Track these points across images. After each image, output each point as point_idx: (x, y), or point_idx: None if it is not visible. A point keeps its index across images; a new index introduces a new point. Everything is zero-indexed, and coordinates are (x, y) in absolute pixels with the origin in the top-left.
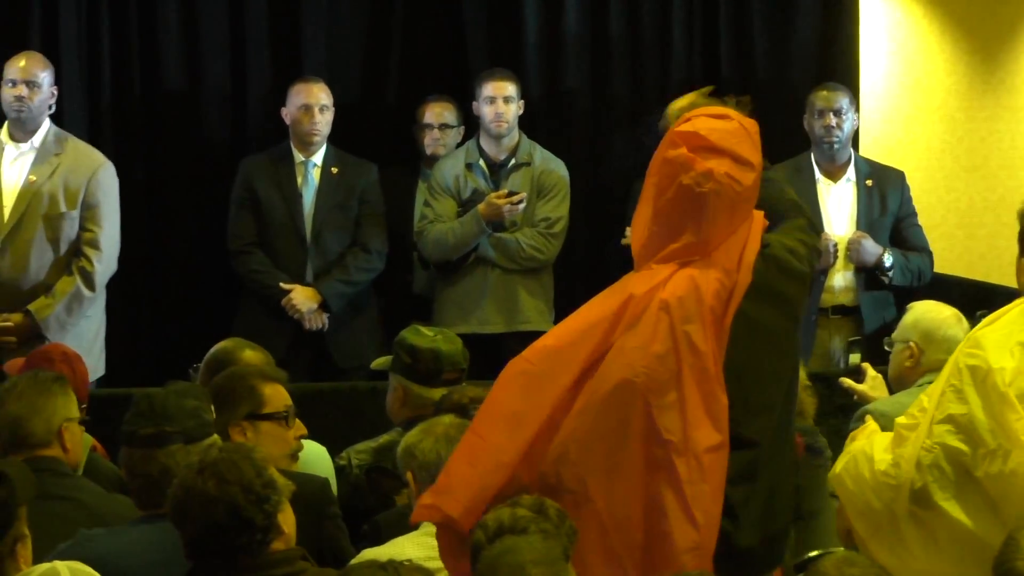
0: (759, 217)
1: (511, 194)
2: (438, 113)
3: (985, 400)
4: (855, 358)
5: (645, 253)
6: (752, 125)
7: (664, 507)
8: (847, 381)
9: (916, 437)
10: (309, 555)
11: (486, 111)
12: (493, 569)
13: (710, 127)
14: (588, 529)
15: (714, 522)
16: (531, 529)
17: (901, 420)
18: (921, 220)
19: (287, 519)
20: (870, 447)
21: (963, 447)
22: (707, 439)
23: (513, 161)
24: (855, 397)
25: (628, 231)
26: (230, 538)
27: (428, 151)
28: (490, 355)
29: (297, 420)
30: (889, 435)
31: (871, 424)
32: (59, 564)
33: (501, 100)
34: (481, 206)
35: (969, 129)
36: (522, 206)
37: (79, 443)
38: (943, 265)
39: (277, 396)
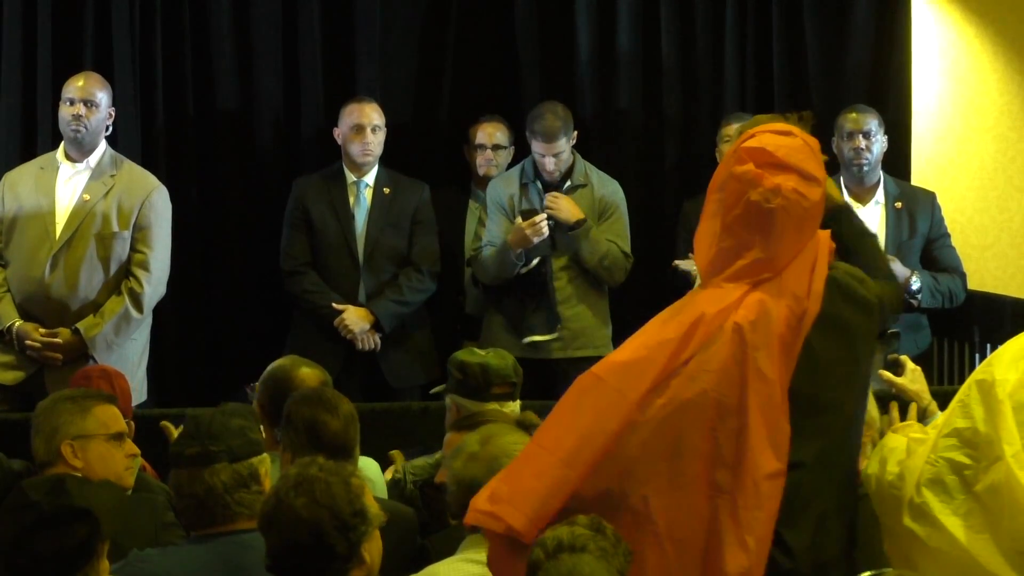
0: (826, 240)
1: (530, 214)
2: (490, 133)
3: (987, 412)
4: (892, 353)
5: (712, 270)
6: (814, 142)
7: (719, 530)
8: (886, 374)
9: (923, 451)
10: None
11: (539, 160)
12: None
13: (776, 143)
14: (647, 549)
15: (765, 549)
16: (589, 547)
17: (915, 434)
18: (974, 240)
19: (372, 548)
20: (890, 453)
21: (966, 460)
22: (767, 466)
23: (569, 182)
24: (893, 390)
25: (689, 255)
26: (309, 560)
27: (480, 171)
28: (546, 378)
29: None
30: (905, 443)
31: (914, 425)
32: None
33: (551, 158)
34: (508, 235)
35: (1022, 148)
36: (544, 229)
37: (99, 458)
38: (996, 285)
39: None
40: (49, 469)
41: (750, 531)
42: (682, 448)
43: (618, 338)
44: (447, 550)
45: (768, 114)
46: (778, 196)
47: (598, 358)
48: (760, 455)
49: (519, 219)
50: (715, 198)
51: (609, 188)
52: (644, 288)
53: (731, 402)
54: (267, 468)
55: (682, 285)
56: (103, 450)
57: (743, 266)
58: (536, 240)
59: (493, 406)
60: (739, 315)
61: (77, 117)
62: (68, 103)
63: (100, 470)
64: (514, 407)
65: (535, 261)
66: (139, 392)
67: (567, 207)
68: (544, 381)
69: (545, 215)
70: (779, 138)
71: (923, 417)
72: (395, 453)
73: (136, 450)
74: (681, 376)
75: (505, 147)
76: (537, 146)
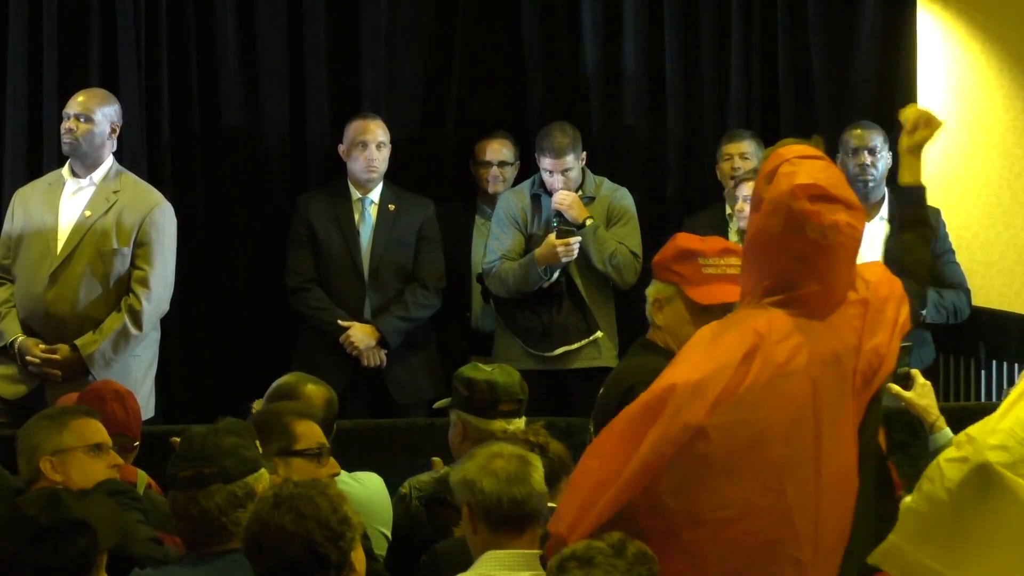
0: (907, 308)
1: (565, 234)
2: (496, 150)
3: None
4: (903, 367)
5: (761, 292)
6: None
7: None
8: (895, 387)
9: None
10: None
11: (547, 179)
12: None
13: (825, 177)
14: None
15: None
16: (597, 560)
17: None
18: (979, 256)
19: (359, 557)
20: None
21: None
22: (838, 521)
23: (581, 192)
24: (902, 404)
25: None
26: (304, 574)
27: (489, 188)
28: (559, 391)
29: (331, 459)
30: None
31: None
32: None
33: (559, 175)
34: (538, 249)
35: None
36: (576, 250)
37: (79, 470)
38: (1002, 301)
39: (310, 433)
40: (33, 487)
41: None
42: (744, 497)
43: (624, 351)
44: (458, 557)
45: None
46: (837, 233)
47: (608, 369)
48: (831, 510)
49: (552, 236)
50: (763, 227)
51: (618, 194)
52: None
53: (807, 438)
54: (265, 484)
55: None
56: (82, 462)
57: (796, 296)
58: (565, 260)
59: (500, 423)
60: (813, 363)
61: (68, 131)
62: (65, 118)
63: (80, 482)
64: (520, 424)
65: (557, 273)
66: (146, 408)
67: (575, 205)
68: (557, 394)
69: (579, 237)
70: (821, 169)
71: (930, 432)
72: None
73: (120, 460)
74: (751, 410)
75: (511, 163)
76: (546, 163)
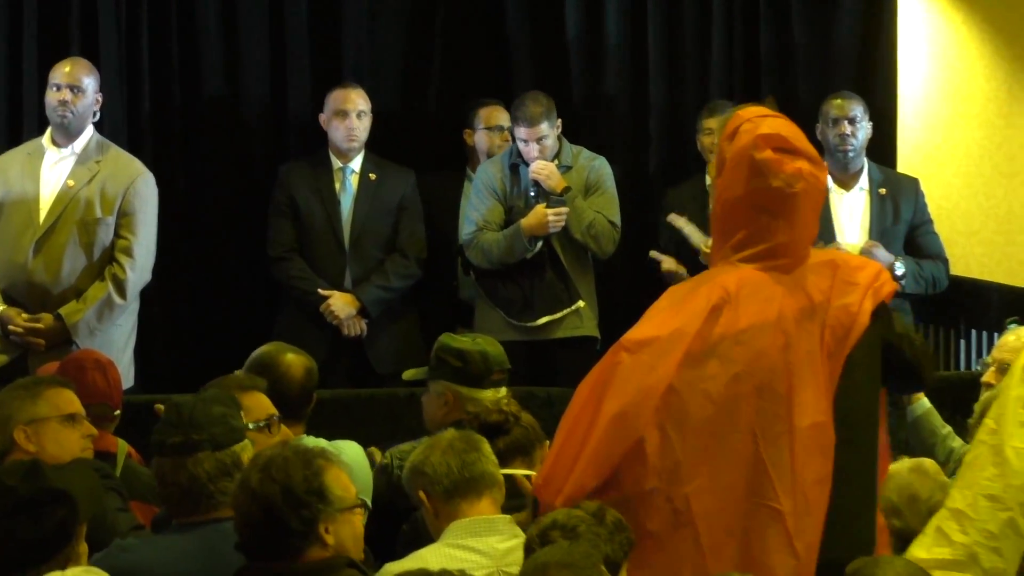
0: (887, 279)
1: (555, 204)
2: (500, 117)
3: None
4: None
5: (727, 251)
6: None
7: (764, 537)
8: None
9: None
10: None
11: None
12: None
13: (787, 129)
14: (684, 548)
15: (814, 555)
16: (581, 529)
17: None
18: (960, 226)
19: (341, 531)
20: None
21: None
22: (816, 472)
23: (557, 161)
24: None
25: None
26: (261, 534)
27: (495, 154)
28: (541, 361)
29: (283, 427)
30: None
31: None
32: (67, 573)
33: (534, 144)
34: (524, 219)
35: (1008, 135)
36: (564, 221)
37: (53, 440)
38: (982, 271)
39: (257, 406)
40: (7, 457)
41: (800, 537)
42: (723, 451)
43: (604, 320)
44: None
45: (748, 103)
46: (800, 180)
47: (591, 339)
48: (807, 461)
49: (541, 206)
50: (732, 181)
51: (596, 164)
52: (627, 273)
53: (780, 391)
54: (250, 455)
55: (656, 273)
56: (56, 432)
57: (765, 248)
58: (553, 230)
59: (491, 392)
60: (785, 317)
61: (63, 103)
62: (55, 88)
63: (55, 452)
64: (503, 393)
65: (539, 243)
66: (126, 378)
67: (553, 175)
68: (539, 365)
69: (567, 209)
70: (783, 123)
71: (908, 402)
72: (374, 451)
73: (93, 431)
74: (720, 363)
75: (507, 128)
76: (520, 132)
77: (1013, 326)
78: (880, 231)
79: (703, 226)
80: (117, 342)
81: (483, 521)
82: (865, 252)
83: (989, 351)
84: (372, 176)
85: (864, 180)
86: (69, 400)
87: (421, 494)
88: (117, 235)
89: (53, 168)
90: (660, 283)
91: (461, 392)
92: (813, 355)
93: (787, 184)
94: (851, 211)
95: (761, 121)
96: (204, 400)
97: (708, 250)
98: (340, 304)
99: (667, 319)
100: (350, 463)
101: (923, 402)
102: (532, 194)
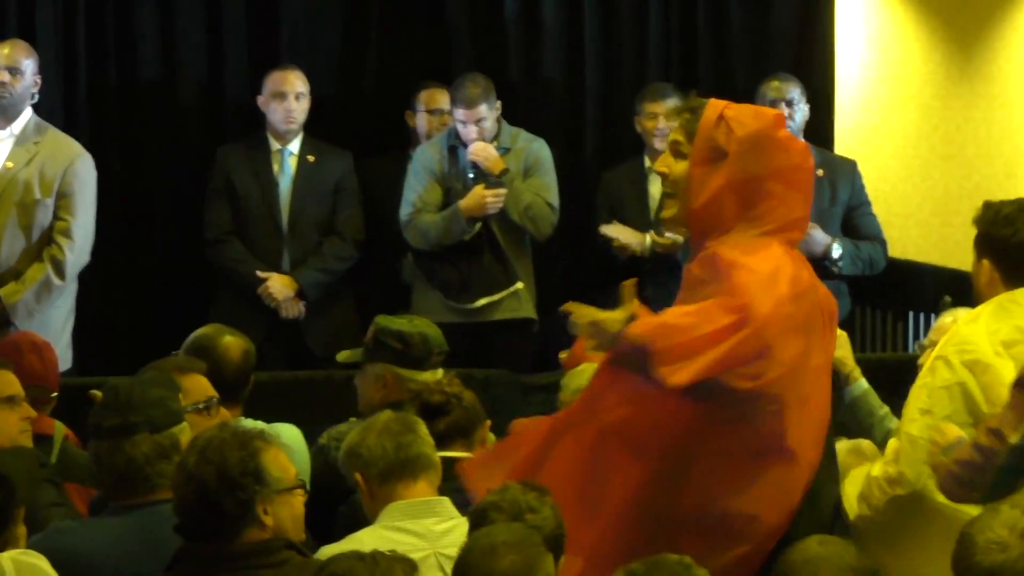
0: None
1: (494, 185)
2: (441, 100)
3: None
4: None
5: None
6: None
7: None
8: None
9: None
10: (300, 545)
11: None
12: (469, 550)
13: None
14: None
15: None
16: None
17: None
18: (897, 208)
19: (280, 512)
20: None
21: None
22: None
23: (496, 143)
24: None
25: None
26: (196, 516)
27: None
28: (475, 343)
29: (222, 409)
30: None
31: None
32: (3, 556)
33: (473, 126)
34: (463, 201)
35: (945, 117)
36: (502, 202)
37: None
38: (919, 253)
39: (196, 388)
40: None
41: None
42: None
43: (541, 302)
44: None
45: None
46: (810, 156)
47: (529, 320)
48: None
49: (480, 188)
50: (744, 164)
51: (534, 146)
52: (565, 255)
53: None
54: (187, 437)
55: (607, 250)
56: None
57: (786, 223)
58: (491, 212)
59: (430, 374)
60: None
61: (2, 84)
62: None
63: None
64: (439, 374)
65: (478, 225)
66: (63, 360)
67: (491, 156)
68: (476, 346)
69: (505, 191)
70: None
71: (845, 384)
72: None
73: (32, 413)
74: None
75: (447, 111)
76: (459, 114)
77: (948, 305)
78: (817, 213)
79: (642, 209)
80: (55, 323)
81: (420, 503)
82: None
83: (926, 333)
84: (311, 158)
85: None
86: (8, 382)
87: (357, 476)
88: (56, 217)
89: None
90: (602, 265)
91: (401, 374)
92: (825, 330)
93: (804, 158)
94: None
95: (744, 106)
96: (142, 382)
97: (657, 241)
98: (278, 286)
99: (757, 263)
100: (289, 444)
101: (861, 383)
102: (470, 176)
